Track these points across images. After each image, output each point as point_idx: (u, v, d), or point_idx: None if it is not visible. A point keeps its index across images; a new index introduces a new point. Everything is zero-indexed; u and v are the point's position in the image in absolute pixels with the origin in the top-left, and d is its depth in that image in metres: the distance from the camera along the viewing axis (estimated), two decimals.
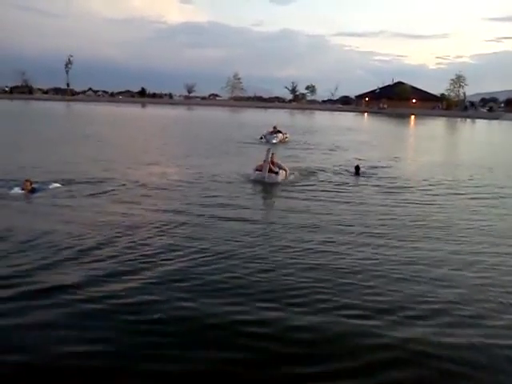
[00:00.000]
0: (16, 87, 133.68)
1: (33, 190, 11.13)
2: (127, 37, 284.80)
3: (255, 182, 13.63)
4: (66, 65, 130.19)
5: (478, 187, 14.54)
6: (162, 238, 7.98)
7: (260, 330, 5.10)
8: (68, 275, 6.27)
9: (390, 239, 8.39)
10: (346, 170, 16.78)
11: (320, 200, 11.67)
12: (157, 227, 8.56)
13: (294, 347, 4.82)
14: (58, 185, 11.96)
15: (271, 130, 28.57)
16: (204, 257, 7.11)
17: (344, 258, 7.31)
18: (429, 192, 13.35)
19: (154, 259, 6.95)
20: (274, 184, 13.55)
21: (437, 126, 65.11)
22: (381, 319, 5.39)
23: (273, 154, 14.52)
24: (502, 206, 11.82)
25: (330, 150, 24.76)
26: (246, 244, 7.81)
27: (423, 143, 33.82)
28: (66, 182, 12.51)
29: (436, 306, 5.77)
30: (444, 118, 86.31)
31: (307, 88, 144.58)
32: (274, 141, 26.95)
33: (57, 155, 18.33)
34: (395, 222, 9.60)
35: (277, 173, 13.83)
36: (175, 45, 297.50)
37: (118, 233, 8.14)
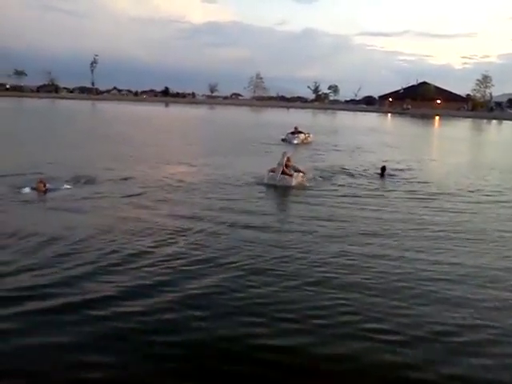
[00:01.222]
0: (43, 86, 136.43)
1: (46, 191, 10.88)
2: (151, 36, 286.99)
3: (269, 185, 13.11)
4: (92, 64, 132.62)
5: None
6: (178, 248, 7.47)
7: (281, 358, 4.59)
8: (79, 291, 5.86)
9: (421, 252, 7.75)
10: (371, 172, 16.21)
11: (344, 206, 11.03)
12: (173, 234, 8.10)
13: (319, 379, 4.34)
14: (70, 186, 11.65)
15: (292, 130, 28.09)
16: (219, 272, 6.58)
17: (372, 275, 6.69)
18: (460, 198, 12.60)
19: (169, 275, 6.44)
20: (288, 187, 13.02)
21: (462, 127, 63.56)
22: (416, 348, 4.82)
23: (288, 156, 14.09)
24: None
25: (353, 151, 24.10)
26: (266, 257, 7.23)
27: (449, 145, 32.83)
28: (84, 182, 12.30)
29: (482, 336, 5.15)
30: (469, 120, 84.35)
31: (330, 88, 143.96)
32: (296, 141, 26.48)
33: (77, 154, 18.17)
34: (426, 233, 8.88)
35: (291, 175, 13.34)
36: (198, 44, 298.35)
37: (131, 240, 7.71)
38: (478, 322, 5.41)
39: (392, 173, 16.02)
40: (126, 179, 13.07)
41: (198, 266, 6.74)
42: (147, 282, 6.12)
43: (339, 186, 13.63)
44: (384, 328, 5.13)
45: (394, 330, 5.09)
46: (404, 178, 15.38)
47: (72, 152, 18.80)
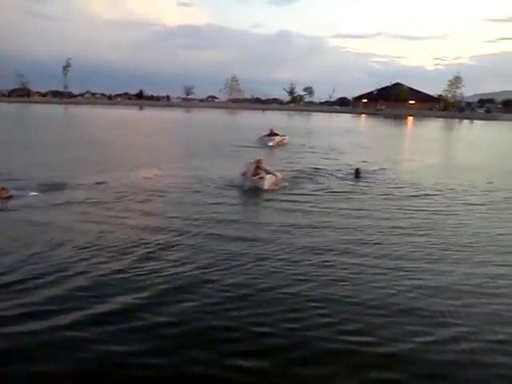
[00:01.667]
0: (14, 90, 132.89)
1: (8, 198, 10.40)
2: (126, 39, 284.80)
3: (244, 190, 12.78)
4: (65, 67, 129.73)
5: (490, 192, 13.85)
6: (146, 263, 6.92)
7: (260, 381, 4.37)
8: (44, 315, 5.43)
9: (401, 258, 7.56)
10: (346, 174, 16.19)
11: (318, 211, 10.72)
12: (145, 247, 7.61)
13: None
14: (37, 193, 11.18)
15: (268, 132, 27.97)
16: (193, 286, 6.19)
17: (351, 282, 6.47)
18: (436, 198, 12.64)
19: (140, 291, 5.98)
20: (260, 190, 12.79)
21: (434, 127, 64.66)
22: (403, 361, 4.63)
23: (260, 159, 13.94)
24: None
25: (328, 152, 24.13)
26: (240, 269, 6.87)
27: (422, 145, 33.20)
28: (53, 188, 11.83)
29: (473, 346, 4.93)
30: (441, 119, 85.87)
31: (305, 90, 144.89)
32: (271, 143, 26.35)
33: (46, 159, 17.66)
34: (405, 238, 8.67)
35: (262, 178, 13.17)
36: (174, 47, 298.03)
37: (94, 256, 7.16)
38: (468, 330, 5.26)
39: (366, 174, 16.04)
40: (98, 184, 12.68)
41: (172, 281, 6.35)
42: (116, 301, 5.71)
43: (314, 189, 13.43)
44: (369, 341, 4.91)
45: (379, 342, 4.87)
46: (378, 179, 15.42)
47: (43, 157, 18.27)
